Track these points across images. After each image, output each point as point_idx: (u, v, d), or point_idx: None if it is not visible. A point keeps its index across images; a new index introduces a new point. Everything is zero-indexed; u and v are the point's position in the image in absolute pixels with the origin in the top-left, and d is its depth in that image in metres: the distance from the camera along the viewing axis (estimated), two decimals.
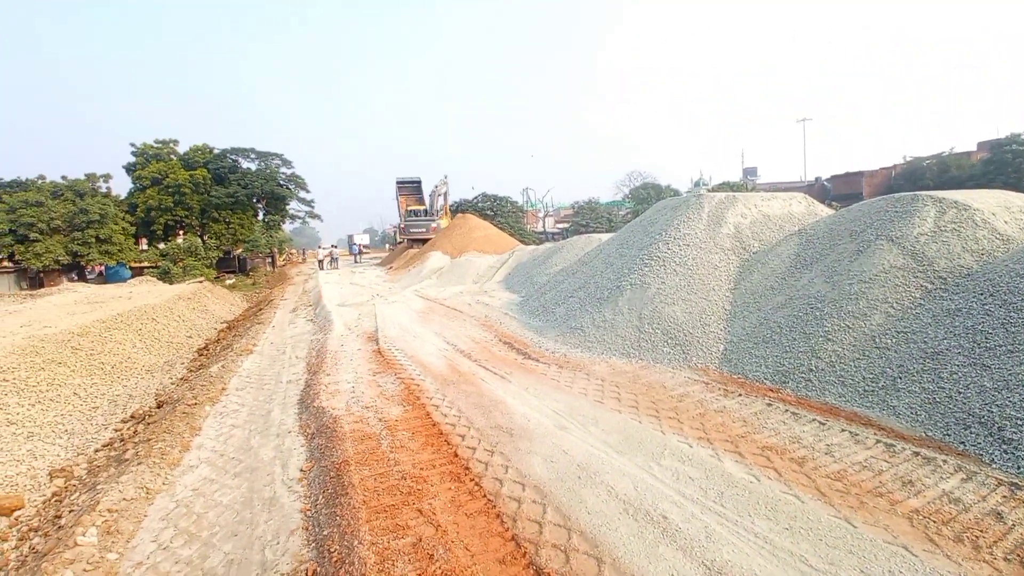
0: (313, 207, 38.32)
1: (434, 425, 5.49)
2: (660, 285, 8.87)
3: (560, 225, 53.94)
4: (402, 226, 39.12)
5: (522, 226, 43.87)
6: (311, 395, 6.79)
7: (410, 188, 42.15)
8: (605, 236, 16.18)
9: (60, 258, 23.98)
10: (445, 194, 38.33)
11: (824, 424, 5.07)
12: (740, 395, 5.99)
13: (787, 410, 5.47)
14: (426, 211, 36.65)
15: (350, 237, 63.61)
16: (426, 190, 39.37)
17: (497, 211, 42.41)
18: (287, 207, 36.59)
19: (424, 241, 32.76)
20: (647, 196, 44.58)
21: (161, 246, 29.73)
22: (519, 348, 8.83)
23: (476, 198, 43.86)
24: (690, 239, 9.62)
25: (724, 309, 8.07)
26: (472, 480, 4.30)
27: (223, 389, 7.44)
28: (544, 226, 53.79)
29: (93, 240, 24.66)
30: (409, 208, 38.27)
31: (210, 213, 30.82)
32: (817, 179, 45.50)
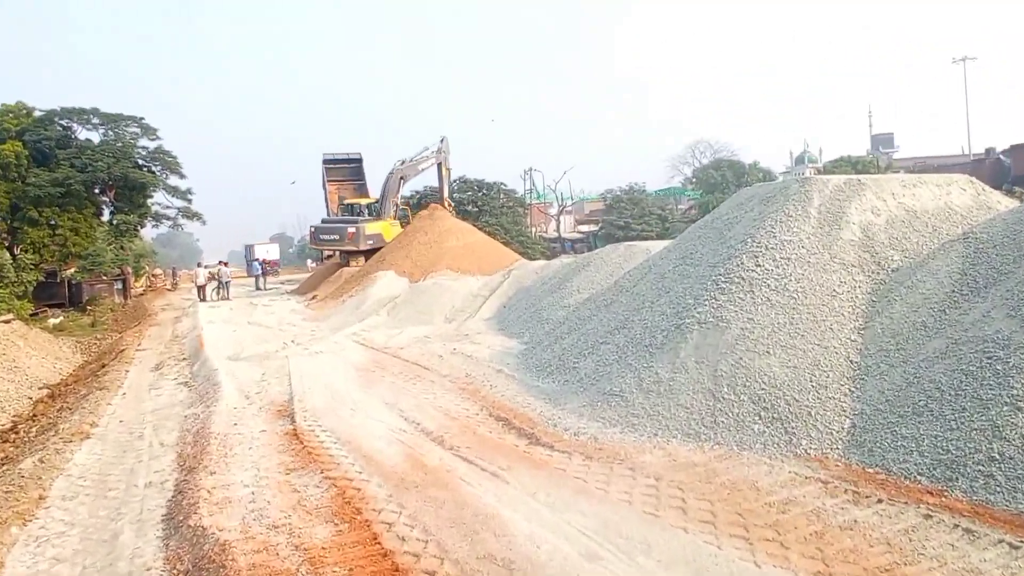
0: (191, 200, 38.59)
1: (385, 556, 5.41)
2: (746, 323, 8.90)
3: (584, 227, 54.56)
4: (312, 230, 38.44)
5: (523, 229, 44.39)
6: (185, 507, 6.70)
7: (345, 170, 42.33)
8: (656, 245, 16.30)
9: None
10: (442, 167, 36.15)
11: (1018, 548, 5.02)
12: (880, 501, 5.95)
13: (957, 525, 5.42)
14: (372, 206, 36.29)
15: (249, 249, 63.77)
16: (383, 170, 38.20)
17: (484, 206, 42.86)
18: (149, 201, 36.86)
19: (370, 253, 32.61)
20: (722, 181, 45.18)
21: None
22: (521, 427, 8.79)
23: (452, 185, 44.32)
24: (791, 249, 9.71)
25: (849, 361, 8.07)
26: None
27: (41, 498, 7.33)
28: (559, 228, 54.33)
29: None
30: (345, 201, 38.19)
31: (25, 211, 30.96)
32: (989, 152, 46.24)
